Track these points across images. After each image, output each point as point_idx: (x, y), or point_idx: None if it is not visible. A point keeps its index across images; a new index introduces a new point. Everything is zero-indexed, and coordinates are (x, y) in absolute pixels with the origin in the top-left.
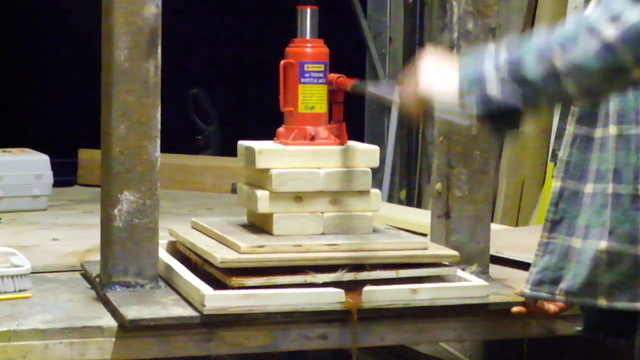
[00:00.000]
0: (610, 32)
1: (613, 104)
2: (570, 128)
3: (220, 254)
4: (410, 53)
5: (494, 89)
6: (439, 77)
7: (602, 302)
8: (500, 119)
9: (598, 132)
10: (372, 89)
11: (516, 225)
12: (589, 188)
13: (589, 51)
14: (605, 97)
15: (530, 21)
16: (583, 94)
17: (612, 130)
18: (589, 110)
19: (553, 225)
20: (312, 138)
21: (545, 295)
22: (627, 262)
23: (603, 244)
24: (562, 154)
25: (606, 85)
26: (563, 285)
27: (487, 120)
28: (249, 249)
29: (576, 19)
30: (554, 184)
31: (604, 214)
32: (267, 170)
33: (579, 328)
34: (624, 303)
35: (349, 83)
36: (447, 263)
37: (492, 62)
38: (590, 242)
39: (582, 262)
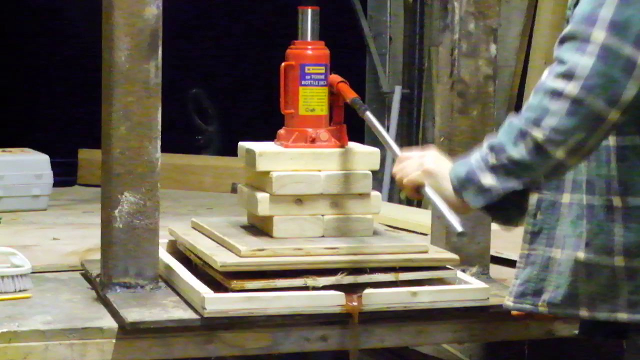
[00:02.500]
0: (571, 88)
1: None
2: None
3: (221, 258)
4: (410, 53)
5: (488, 178)
6: (440, 170)
7: (584, 313)
8: (503, 204)
9: None
10: (371, 119)
11: (516, 226)
12: (565, 198)
13: (561, 112)
14: (594, 149)
15: (530, 21)
16: (572, 154)
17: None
18: None
19: (533, 236)
20: (313, 140)
21: (528, 307)
22: (605, 273)
23: (581, 255)
24: None
25: (590, 138)
26: (545, 296)
27: (490, 209)
28: (249, 252)
29: (535, 90)
30: (531, 196)
31: (580, 224)
32: (267, 172)
33: (575, 331)
34: (605, 314)
35: (350, 96)
36: (447, 266)
37: (477, 154)
38: (568, 253)
39: (563, 273)
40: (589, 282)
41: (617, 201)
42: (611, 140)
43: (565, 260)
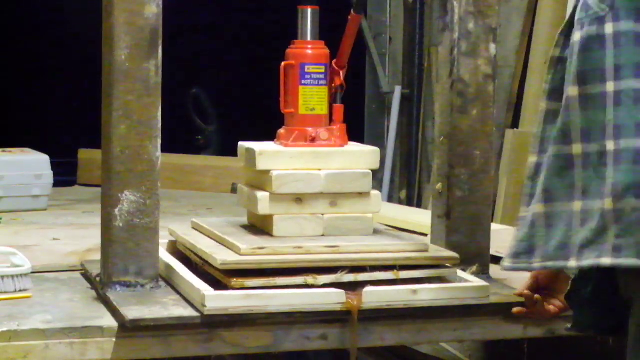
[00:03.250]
0: None
1: (574, 66)
2: (542, 104)
3: (221, 256)
4: (410, 53)
5: None
6: None
7: (573, 262)
8: None
9: None
10: None
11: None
12: (550, 150)
13: None
14: None
15: (530, 21)
16: None
17: (573, 91)
18: (558, 86)
19: (530, 198)
20: (313, 140)
21: (524, 265)
22: (596, 218)
23: (577, 205)
24: (537, 129)
25: None
26: (538, 251)
27: None
28: (249, 250)
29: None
30: (529, 159)
31: (568, 175)
32: (267, 171)
33: (568, 326)
34: (591, 260)
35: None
36: (447, 265)
37: None
38: (559, 204)
39: (554, 225)
40: (581, 229)
41: (610, 145)
42: (608, 86)
43: (556, 212)
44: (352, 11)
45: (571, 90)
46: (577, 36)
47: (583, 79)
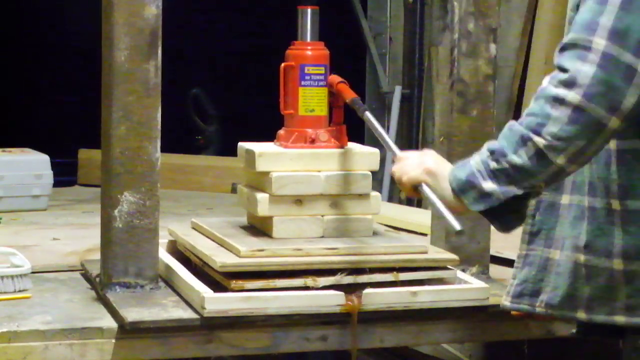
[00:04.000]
0: (573, 96)
1: None
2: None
3: (220, 258)
4: (410, 53)
5: (488, 183)
6: (440, 170)
7: (582, 315)
8: (502, 208)
9: None
10: (371, 119)
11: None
12: (565, 199)
13: (562, 119)
14: (594, 155)
15: (530, 21)
16: (572, 161)
17: None
18: None
19: (531, 236)
20: (312, 141)
21: (526, 307)
22: (604, 276)
23: (580, 257)
24: None
25: (591, 145)
26: (543, 297)
27: (490, 213)
28: (248, 252)
29: (537, 97)
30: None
31: (579, 225)
32: (267, 173)
33: (574, 330)
34: (602, 317)
35: (349, 96)
36: (447, 266)
37: (477, 158)
38: (567, 254)
39: (561, 274)
40: (587, 285)
41: (616, 204)
42: (612, 144)
43: (564, 261)
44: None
45: None
46: None
47: None
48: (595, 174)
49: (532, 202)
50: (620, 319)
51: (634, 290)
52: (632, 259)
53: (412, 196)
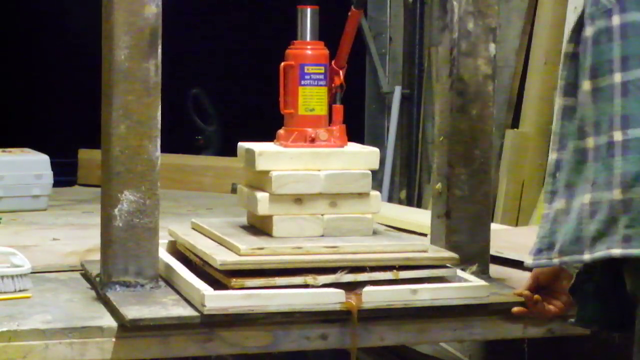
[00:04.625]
0: None
1: (587, 60)
2: (559, 101)
3: (220, 256)
4: (410, 53)
5: None
6: None
7: (587, 255)
8: None
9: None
10: None
11: (516, 225)
12: (571, 145)
13: None
14: None
15: (530, 21)
16: None
17: (587, 85)
18: (573, 81)
19: (552, 195)
20: (312, 140)
21: (544, 261)
22: (605, 209)
23: (587, 197)
24: (554, 127)
25: None
26: (557, 247)
27: None
28: (248, 251)
29: None
30: (550, 157)
31: (582, 168)
32: (267, 172)
33: (572, 320)
34: (602, 252)
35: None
36: (447, 265)
37: None
38: (577, 199)
39: (571, 220)
40: (592, 222)
41: (617, 135)
42: (616, 77)
43: (575, 207)
44: (352, 7)
45: (585, 85)
46: (588, 31)
47: (595, 73)
48: (599, 111)
49: (552, 162)
50: (616, 251)
51: (631, 219)
52: (630, 186)
53: None
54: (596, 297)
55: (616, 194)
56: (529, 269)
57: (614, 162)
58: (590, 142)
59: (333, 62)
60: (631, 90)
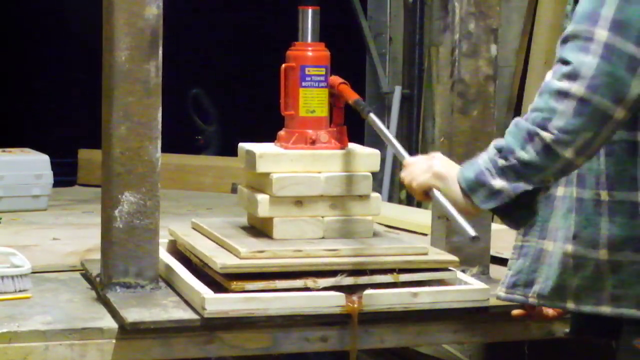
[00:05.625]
0: (577, 88)
1: None
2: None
3: (221, 260)
4: (410, 53)
5: (497, 181)
6: (449, 173)
7: (571, 305)
8: (513, 205)
9: None
10: (375, 121)
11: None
12: (560, 191)
13: (568, 112)
14: (601, 147)
15: (530, 21)
16: (580, 153)
17: None
18: None
19: (527, 228)
20: (313, 142)
21: (519, 297)
22: (590, 267)
23: (569, 248)
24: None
25: (598, 136)
26: (536, 287)
27: (501, 211)
28: (249, 254)
29: (541, 91)
30: (540, 195)
31: (570, 217)
32: (267, 174)
33: (566, 330)
34: (589, 307)
35: (352, 97)
36: (447, 268)
37: (485, 156)
38: (559, 245)
39: (552, 265)
40: (575, 275)
41: (604, 195)
42: None
43: (556, 252)
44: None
45: None
46: None
47: None
48: (585, 166)
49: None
50: (606, 309)
51: (619, 281)
52: (617, 249)
53: (424, 201)
54: None
55: (602, 254)
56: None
57: (600, 221)
58: (573, 191)
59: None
60: (616, 151)
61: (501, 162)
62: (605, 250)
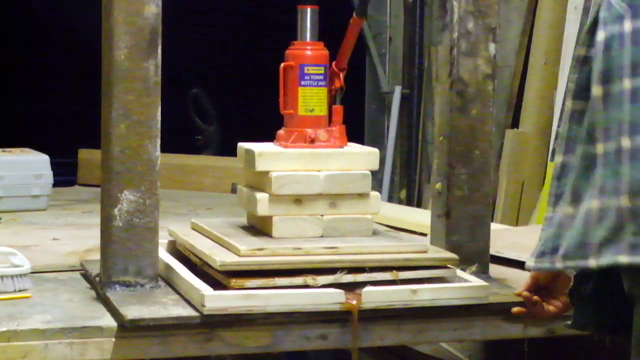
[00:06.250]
0: None
1: (598, 65)
2: (568, 104)
3: (220, 257)
4: (410, 53)
5: None
6: None
7: (592, 262)
8: None
9: None
10: None
11: (516, 225)
12: (579, 150)
13: None
14: None
15: (530, 21)
16: None
17: (597, 91)
18: (584, 85)
19: (556, 198)
20: (312, 141)
21: (547, 265)
22: (612, 215)
23: (595, 203)
24: (562, 129)
25: None
26: (561, 251)
27: None
28: (248, 251)
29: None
30: (556, 159)
31: (592, 174)
32: (266, 172)
33: (568, 322)
34: (608, 257)
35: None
36: (447, 266)
37: None
38: (584, 205)
39: (576, 225)
40: (599, 228)
41: (626, 142)
42: (625, 84)
43: (580, 212)
44: (354, 14)
45: (595, 90)
46: (600, 35)
47: (606, 78)
48: (610, 116)
49: (557, 165)
50: (623, 258)
51: (638, 227)
52: (637, 194)
53: None
54: (593, 300)
55: (624, 201)
56: (529, 270)
57: (621, 168)
58: (599, 148)
59: (334, 63)
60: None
61: None
62: (627, 196)
